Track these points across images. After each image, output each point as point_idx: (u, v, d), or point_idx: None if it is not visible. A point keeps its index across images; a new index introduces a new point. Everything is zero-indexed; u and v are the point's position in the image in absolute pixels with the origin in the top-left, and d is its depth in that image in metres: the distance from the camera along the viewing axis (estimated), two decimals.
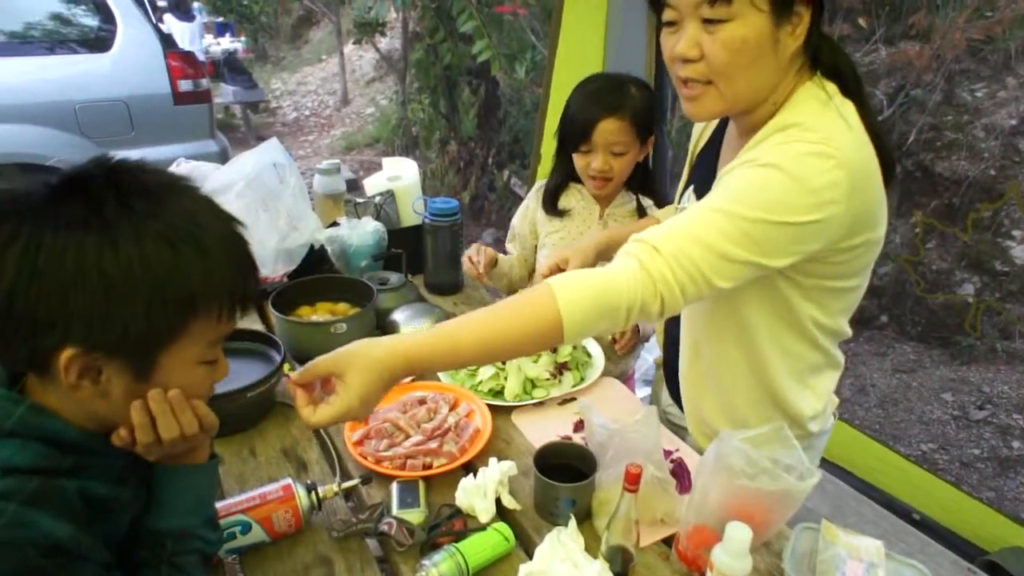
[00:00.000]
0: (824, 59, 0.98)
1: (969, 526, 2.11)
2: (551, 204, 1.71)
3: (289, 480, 1.03)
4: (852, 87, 0.98)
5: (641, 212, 1.68)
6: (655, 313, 0.92)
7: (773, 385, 1.13)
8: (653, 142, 1.62)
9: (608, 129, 1.50)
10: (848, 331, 1.14)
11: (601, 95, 1.51)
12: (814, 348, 1.11)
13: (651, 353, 2.24)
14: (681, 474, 1.15)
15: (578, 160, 1.58)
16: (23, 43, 3.45)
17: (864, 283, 1.07)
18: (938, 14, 3.99)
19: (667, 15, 0.96)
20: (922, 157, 4.09)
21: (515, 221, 1.83)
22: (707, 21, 0.91)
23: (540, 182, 1.78)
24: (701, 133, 1.26)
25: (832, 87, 0.97)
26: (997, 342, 3.59)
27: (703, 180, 1.16)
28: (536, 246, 1.81)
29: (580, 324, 0.90)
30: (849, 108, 0.95)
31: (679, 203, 1.26)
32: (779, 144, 0.93)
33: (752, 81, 0.95)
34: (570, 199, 1.71)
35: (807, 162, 0.89)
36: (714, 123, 1.22)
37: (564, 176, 1.68)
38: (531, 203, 1.79)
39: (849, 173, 0.89)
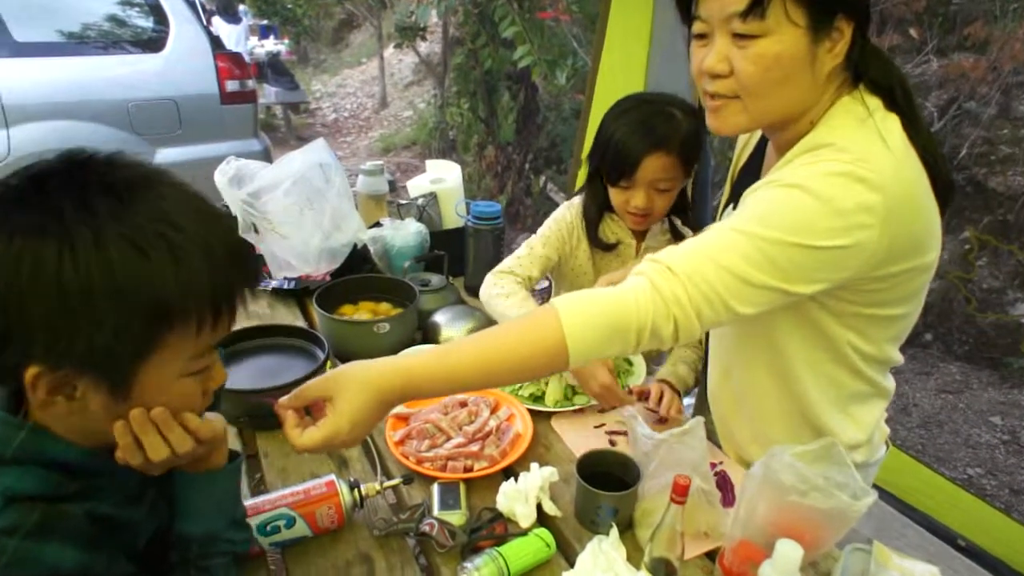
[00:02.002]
0: (871, 73, 0.91)
1: (1021, 556, 2.03)
2: (597, 237, 1.54)
3: (333, 476, 1.04)
4: (900, 101, 0.91)
5: (676, 235, 1.55)
6: (668, 337, 0.87)
7: (809, 413, 1.07)
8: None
9: (655, 166, 1.36)
10: (898, 358, 1.06)
11: (647, 127, 1.35)
12: (856, 376, 1.04)
13: None
14: (725, 487, 1.13)
15: (616, 195, 1.44)
16: (80, 43, 3.57)
17: (915, 310, 1.00)
18: (996, 24, 3.86)
19: (697, 27, 0.92)
20: (974, 171, 3.95)
21: (545, 248, 1.54)
22: (738, 36, 0.86)
23: (565, 210, 1.57)
24: (743, 148, 1.21)
25: (875, 102, 0.90)
26: None
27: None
28: (564, 275, 1.62)
29: (586, 348, 0.85)
30: (892, 125, 0.89)
31: (720, 220, 1.23)
32: (807, 164, 0.87)
33: (782, 99, 0.90)
34: (609, 232, 1.56)
35: (836, 183, 0.83)
36: (755, 139, 1.18)
37: (601, 206, 1.52)
38: (572, 233, 1.55)
39: (885, 197, 0.83)
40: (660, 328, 0.86)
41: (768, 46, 0.85)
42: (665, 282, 0.86)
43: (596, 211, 1.52)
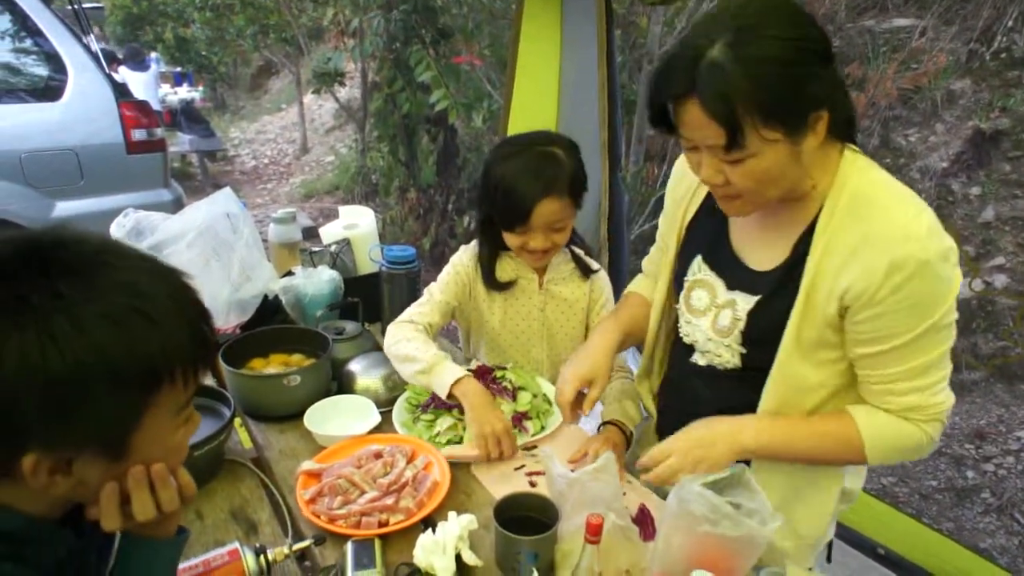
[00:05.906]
0: (838, 111, 0.96)
1: (933, 559, 2.13)
2: (492, 279, 1.52)
3: (236, 544, 0.98)
4: (856, 129, 1.03)
5: (583, 269, 1.55)
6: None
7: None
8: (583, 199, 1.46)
9: (549, 211, 1.35)
10: None
11: (534, 172, 1.34)
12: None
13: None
14: (644, 521, 1.13)
15: (512, 239, 1.42)
16: None
17: None
18: (870, 65, 4.24)
19: (684, 141, 0.97)
20: None
21: (443, 294, 1.53)
22: (725, 158, 0.92)
23: (461, 254, 1.57)
24: (690, 201, 1.20)
25: (855, 151, 1.02)
26: None
27: (713, 247, 1.14)
28: (468, 317, 1.62)
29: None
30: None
31: (687, 276, 1.18)
32: (893, 239, 0.92)
33: (781, 190, 0.97)
34: (507, 270, 1.53)
35: (931, 236, 0.92)
36: (702, 193, 1.18)
37: (494, 246, 1.51)
38: (468, 276, 1.55)
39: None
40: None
41: (756, 163, 0.91)
42: (927, 424, 1.02)
43: (489, 254, 1.52)
